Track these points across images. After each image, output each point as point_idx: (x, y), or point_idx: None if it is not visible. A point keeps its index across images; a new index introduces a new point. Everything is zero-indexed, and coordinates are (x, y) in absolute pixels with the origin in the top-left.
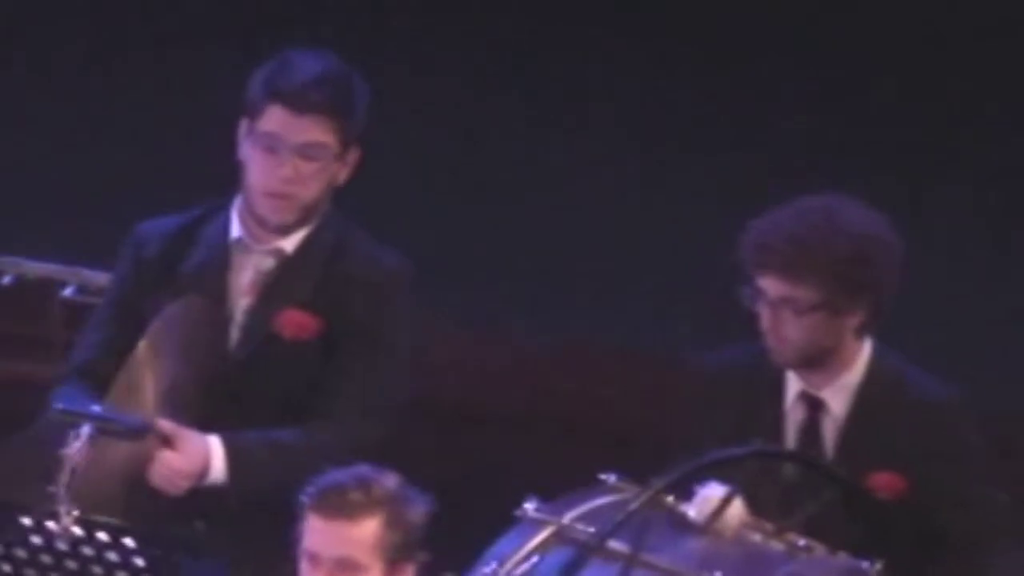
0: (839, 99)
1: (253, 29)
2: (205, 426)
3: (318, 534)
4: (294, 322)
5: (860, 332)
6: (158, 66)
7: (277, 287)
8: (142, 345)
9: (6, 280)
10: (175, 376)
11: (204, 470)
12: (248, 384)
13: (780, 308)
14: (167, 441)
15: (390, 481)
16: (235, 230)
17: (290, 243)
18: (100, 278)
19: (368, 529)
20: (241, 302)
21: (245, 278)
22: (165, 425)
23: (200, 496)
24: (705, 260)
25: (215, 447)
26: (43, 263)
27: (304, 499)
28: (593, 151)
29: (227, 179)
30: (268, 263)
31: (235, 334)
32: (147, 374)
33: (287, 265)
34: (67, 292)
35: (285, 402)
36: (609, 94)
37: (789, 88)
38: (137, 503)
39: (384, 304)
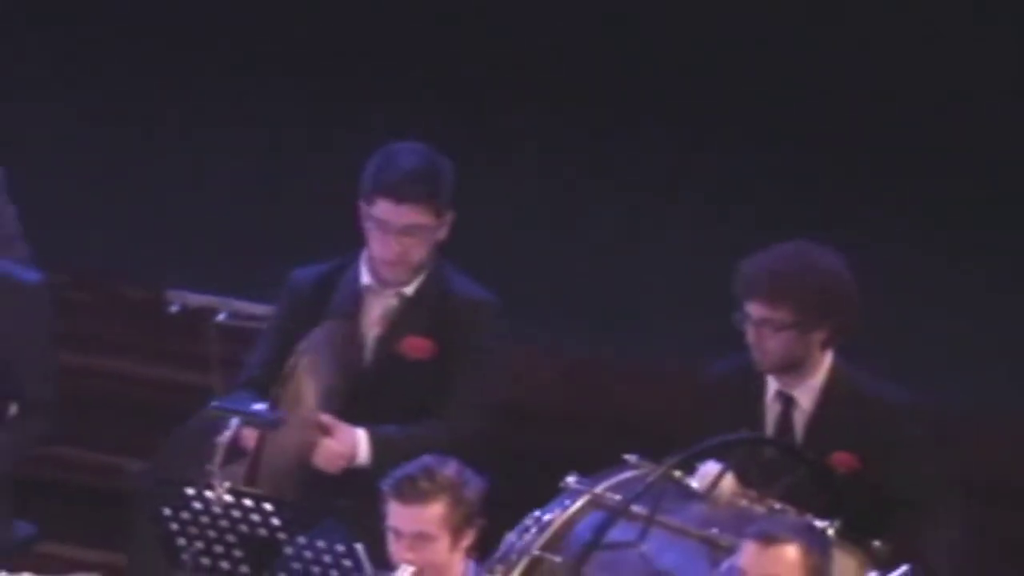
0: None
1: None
2: (348, 422)
3: (397, 515)
4: (415, 346)
5: (824, 345)
6: (310, 130)
7: (400, 320)
8: (305, 360)
9: (174, 308)
10: (328, 384)
11: (354, 454)
12: (378, 392)
13: (762, 327)
14: (327, 431)
15: (451, 468)
16: (364, 278)
17: (410, 288)
18: (246, 307)
19: (436, 509)
20: (372, 332)
21: (375, 314)
22: (326, 419)
23: (346, 477)
24: (711, 294)
25: (362, 436)
26: (202, 295)
27: (384, 487)
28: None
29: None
30: (393, 302)
31: (367, 356)
32: (309, 382)
33: (407, 304)
34: (220, 318)
35: (405, 405)
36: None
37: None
38: (304, 480)
39: (482, 329)
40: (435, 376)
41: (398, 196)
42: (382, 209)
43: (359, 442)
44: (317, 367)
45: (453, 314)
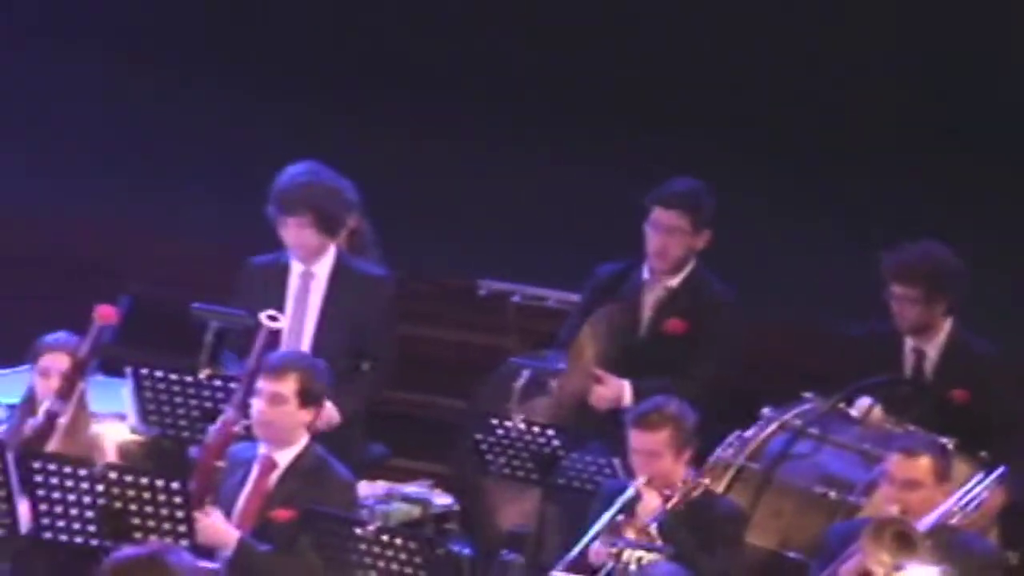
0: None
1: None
2: (623, 377)
3: (635, 438)
4: (674, 326)
5: (945, 313)
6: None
7: (666, 306)
8: (588, 330)
9: (483, 292)
10: (604, 348)
11: (620, 399)
12: (646, 357)
13: (902, 301)
14: (600, 381)
15: (674, 405)
16: (645, 274)
17: (675, 281)
18: (534, 291)
19: (662, 435)
20: (647, 314)
21: (650, 301)
22: (600, 372)
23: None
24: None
25: (626, 386)
26: (502, 282)
27: (626, 418)
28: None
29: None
30: (662, 293)
31: (642, 331)
32: (590, 345)
33: (673, 294)
34: (515, 299)
35: (664, 367)
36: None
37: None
38: (582, 417)
39: (722, 316)
40: (686, 348)
41: (665, 204)
42: (655, 213)
43: (624, 390)
44: (597, 335)
45: (704, 304)
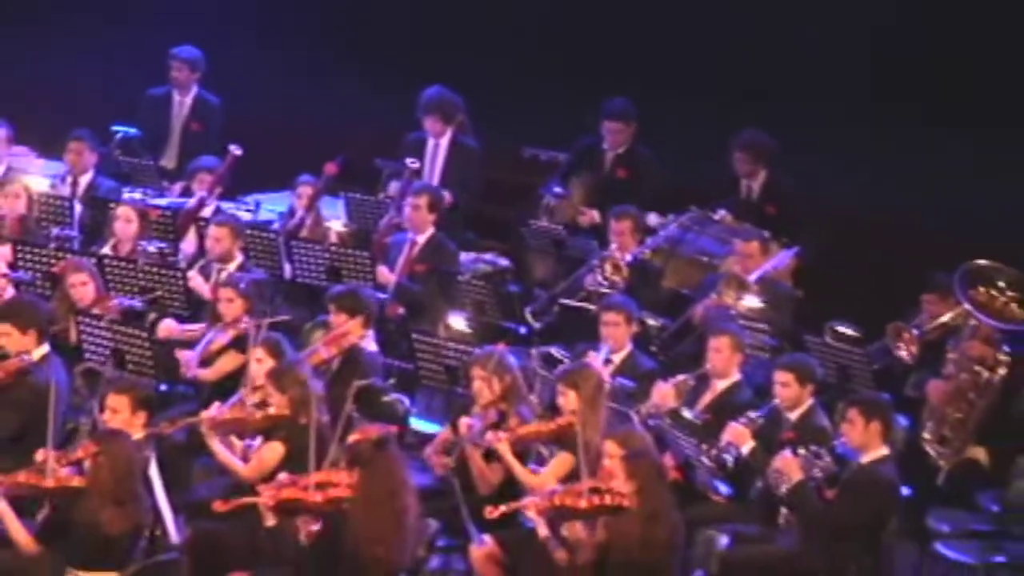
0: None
1: None
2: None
3: (614, 224)
4: (622, 172)
5: (765, 165)
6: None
7: (617, 163)
8: (577, 182)
9: (526, 155)
10: (586, 193)
11: (594, 220)
12: (606, 192)
13: (739, 162)
14: (583, 212)
15: (634, 209)
16: (605, 145)
17: (622, 149)
18: (553, 153)
19: (626, 222)
20: (607, 168)
21: (607, 160)
22: (584, 208)
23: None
24: None
25: (596, 213)
26: (535, 148)
27: (609, 216)
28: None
29: None
30: (614, 155)
31: (606, 171)
32: (578, 193)
33: (620, 156)
34: (543, 157)
35: (618, 197)
36: None
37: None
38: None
39: (648, 166)
40: (631, 185)
41: (609, 117)
42: (605, 124)
43: (596, 215)
44: (583, 188)
45: (637, 161)
